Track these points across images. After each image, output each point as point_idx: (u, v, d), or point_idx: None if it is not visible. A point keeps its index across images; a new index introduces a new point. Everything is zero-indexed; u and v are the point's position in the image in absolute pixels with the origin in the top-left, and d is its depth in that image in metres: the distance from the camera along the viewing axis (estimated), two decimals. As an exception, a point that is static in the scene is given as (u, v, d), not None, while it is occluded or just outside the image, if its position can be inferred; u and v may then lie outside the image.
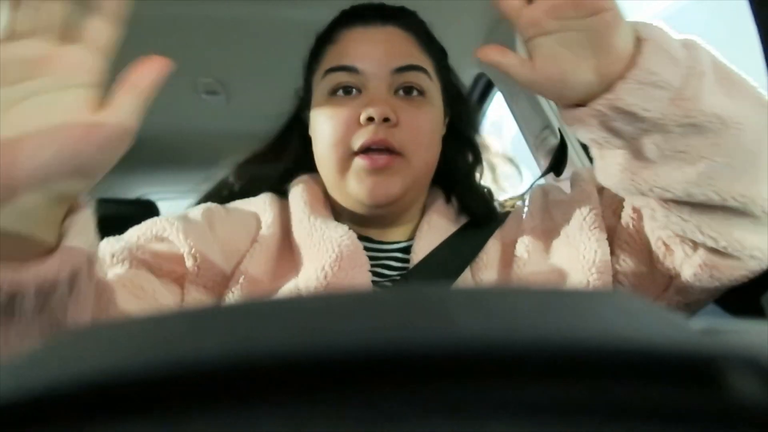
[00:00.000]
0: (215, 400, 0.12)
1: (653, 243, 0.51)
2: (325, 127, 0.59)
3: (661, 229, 0.49)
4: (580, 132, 0.45)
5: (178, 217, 0.59)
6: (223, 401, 0.12)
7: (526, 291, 0.18)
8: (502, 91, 1.15)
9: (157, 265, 0.55)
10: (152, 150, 2.06)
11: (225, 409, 0.12)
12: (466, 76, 1.28)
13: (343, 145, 0.57)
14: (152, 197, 2.39)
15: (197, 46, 1.24)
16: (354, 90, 0.59)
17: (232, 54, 1.29)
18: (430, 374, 0.12)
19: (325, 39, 0.65)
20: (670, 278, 0.51)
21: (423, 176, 0.62)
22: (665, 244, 0.50)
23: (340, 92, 0.60)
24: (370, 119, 0.56)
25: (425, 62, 0.62)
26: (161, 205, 2.08)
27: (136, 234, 0.58)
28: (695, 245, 0.47)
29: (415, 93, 0.60)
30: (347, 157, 0.57)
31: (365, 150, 0.56)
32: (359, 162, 0.57)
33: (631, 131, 0.42)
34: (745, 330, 0.16)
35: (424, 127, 0.60)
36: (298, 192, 0.65)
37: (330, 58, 0.62)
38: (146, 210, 1.97)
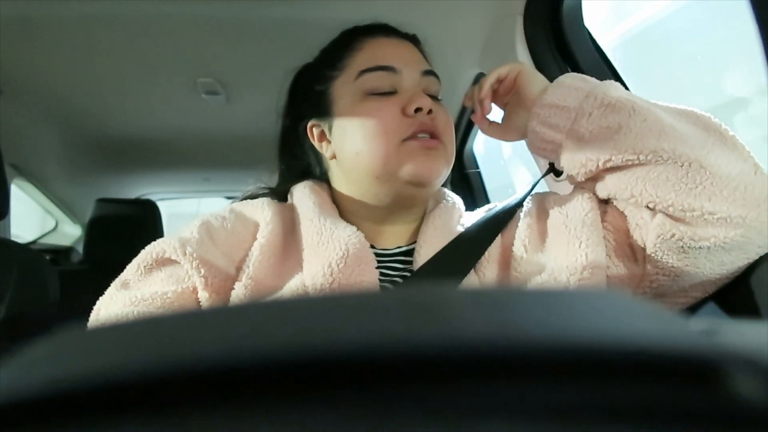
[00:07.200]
0: (215, 400, 0.12)
1: (624, 227, 0.59)
2: (370, 123, 0.62)
3: (623, 199, 0.58)
4: (539, 142, 0.63)
5: (173, 237, 0.60)
6: (222, 401, 0.12)
7: (526, 291, 0.18)
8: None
9: (170, 301, 0.57)
10: (152, 150, 2.07)
11: (225, 409, 0.12)
12: (466, 76, 1.28)
13: (395, 135, 0.61)
14: (152, 197, 2.39)
15: (197, 46, 1.24)
16: (389, 89, 0.64)
17: (232, 54, 1.29)
18: (430, 374, 0.12)
19: (345, 47, 0.68)
20: (643, 251, 0.56)
21: (450, 165, 0.66)
22: (629, 221, 0.58)
23: (378, 91, 0.64)
24: (418, 110, 0.61)
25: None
26: (161, 205, 2.08)
27: (136, 264, 0.60)
28: (653, 213, 0.56)
29: (435, 96, 0.66)
30: (397, 145, 0.61)
31: (413, 136, 0.61)
32: (412, 144, 0.61)
33: (564, 122, 0.59)
34: (745, 330, 0.16)
35: (450, 123, 0.66)
36: (305, 194, 0.67)
37: (360, 62, 0.66)
38: (146, 210, 1.97)
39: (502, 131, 0.68)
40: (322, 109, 0.68)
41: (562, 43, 0.98)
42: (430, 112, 0.62)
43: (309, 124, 0.70)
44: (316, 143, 0.70)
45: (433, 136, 0.62)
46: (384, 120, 0.61)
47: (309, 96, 0.71)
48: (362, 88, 0.64)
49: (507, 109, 0.67)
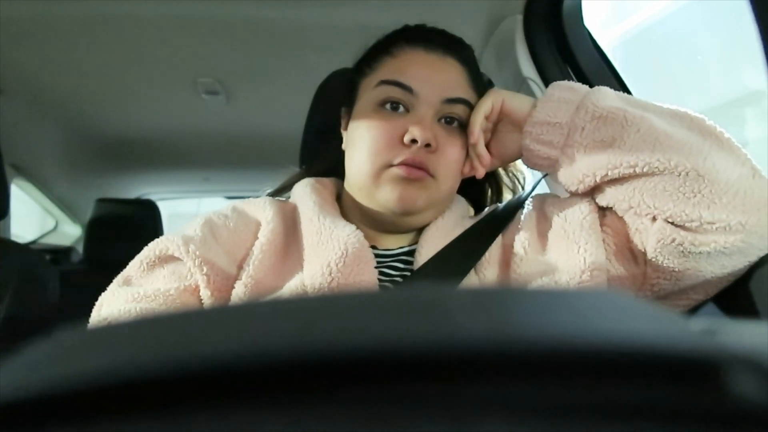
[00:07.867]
0: (216, 400, 0.12)
1: (624, 231, 0.59)
2: (367, 136, 0.61)
3: (622, 210, 0.58)
4: (535, 159, 0.62)
5: (177, 235, 0.60)
6: (223, 401, 0.12)
7: (527, 291, 0.18)
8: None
9: (172, 298, 0.57)
10: (152, 150, 2.07)
11: (225, 409, 0.12)
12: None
13: (383, 158, 0.60)
14: (152, 197, 2.38)
15: (197, 46, 1.24)
16: (402, 107, 0.62)
17: (232, 54, 1.29)
18: (429, 374, 0.12)
19: (383, 49, 0.66)
20: (644, 255, 0.56)
21: (445, 198, 0.65)
22: (629, 226, 0.57)
23: (389, 106, 0.62)
24: (414, 141, 0.58)
25: (471, 96, 0.65)
26: (161, 205, 2.08)
27: (139, 260, 0.60)
28: (653, 219, 0.55)
29: (455, 124, 0.63)
30: (380, 168, 0.60)
31: (400, 163, 0.59)
32: (396, 170, 0.59)
33: (557, 138, 0.59)
34: (745, 330, 0.16)
35: (456, 156, 0.63)
36: (306, 193, 0.67)
37: (387, 70, 0.64)
38: (146, 210, 1.97)
39: (496, 159, 0.65)
40: (350, 102, 0.68)
41: (562, 43, 0.98)
42: (428, 145, 0.59)
43: (342, 110, 0.71)
44: (342, 130, 0.70)
45: (422, 168, 0.59)
46: (379, 139, 0.60)
47: (348, 84, 0.71)
48: (377, 98, 0.62)
49: (495, 135, 0.65)
